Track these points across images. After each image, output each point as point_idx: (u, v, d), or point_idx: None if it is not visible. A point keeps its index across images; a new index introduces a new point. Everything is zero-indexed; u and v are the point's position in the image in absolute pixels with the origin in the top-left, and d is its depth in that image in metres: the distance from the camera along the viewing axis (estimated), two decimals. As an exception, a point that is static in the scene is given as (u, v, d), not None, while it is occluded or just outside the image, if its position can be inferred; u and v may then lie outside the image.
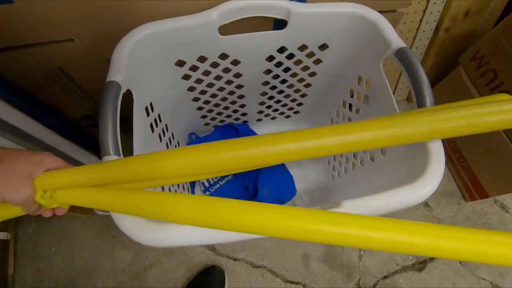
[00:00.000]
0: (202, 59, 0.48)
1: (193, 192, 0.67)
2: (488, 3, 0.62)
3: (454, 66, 0.66)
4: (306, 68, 0.55)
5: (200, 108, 0.62)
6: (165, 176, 0.30)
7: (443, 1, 0.60)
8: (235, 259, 0.66)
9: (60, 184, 0.28)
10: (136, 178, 0.30)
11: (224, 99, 0.61)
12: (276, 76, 0.57)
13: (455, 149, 0.72)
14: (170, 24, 0.41)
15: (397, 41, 0.40)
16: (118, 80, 0.36)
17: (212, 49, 0.47)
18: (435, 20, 0.63)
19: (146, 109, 0.45)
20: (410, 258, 0.68)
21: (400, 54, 0.39)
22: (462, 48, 0.71)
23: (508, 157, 0.57)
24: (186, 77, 0.51)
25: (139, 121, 0.40)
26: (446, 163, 0.69)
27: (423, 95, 0.37)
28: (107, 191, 0.29)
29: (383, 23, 0.43)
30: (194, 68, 0.50)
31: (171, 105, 0.55)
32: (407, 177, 0.36)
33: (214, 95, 0.59)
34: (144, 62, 0.42)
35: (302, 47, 0.50)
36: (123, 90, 0.37)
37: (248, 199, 0.61)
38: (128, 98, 0.39)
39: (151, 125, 0.46)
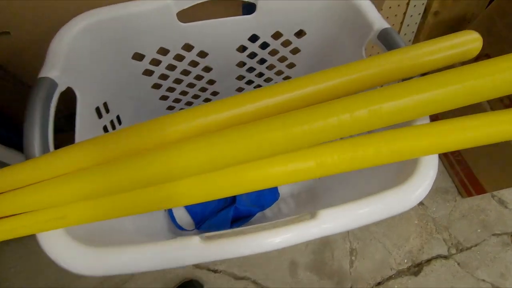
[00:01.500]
0: (163, 51, 0.42)
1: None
2: (479, -16, 0.58)
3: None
4: (283, 59, 0.50)
5: (170, 108, 0.56)
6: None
7: (423, 4, 0.55)
8: (215, 271, 0.60)
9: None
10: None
11: (196, 96, 0.55)
12: (251, 69, 0.51)
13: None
14: (119, 10, 0.36)
15: (379, 22, 0.36)
16: (53, 76, 0.30)
17: (173, 39, 0.41)
18: (423, 4, 0.58)
19: (98, 110, 0.39)
20: (405, 261, 0.63)
21: (384, 36, 0.34)
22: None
23: (506, 149, 0.52)
24: (148, 72, 0.45)
25: (85, 124, 0.35)
26: (439, 158, 0.65)
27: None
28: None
29: (363, 2, 0.38)
30: (156, 62, 0.44)
31: (134, 105, 0.49)
32: (397, 177, 0.31)
33: (184, 93, 0.53)
34: (92, 56, 0.37)
35: (276, 35, 0.44)
36: (61, 88, 0.31)
37: (225, 208, 0.55)
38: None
39: (105, 128, 0.41)
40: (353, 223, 0.27)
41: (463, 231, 0.66)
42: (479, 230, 0.66)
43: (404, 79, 0.30)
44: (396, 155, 0.27)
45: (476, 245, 0.65)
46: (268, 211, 0.62)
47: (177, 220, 0.60)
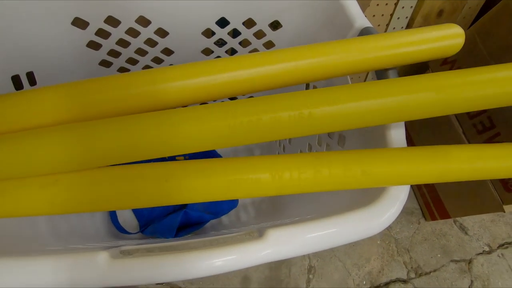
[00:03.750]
0: (113, 21, 0.36)
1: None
2: (463, 4, 0.56)
3: (424, 70, 0.60)
4: (255, 52, 0.45)
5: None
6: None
7: (411, 7, 0.53)
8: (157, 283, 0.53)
9: None
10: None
11: (154, 82, 0.48)
12: (219, 59, 0.46)
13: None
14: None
15: (361, 20, 0.32)
16: None
17: (125, 9, 0.35)
18: (406, 17, 0.56)
19: (17, 79, 0.31)
20: (364, 283, 0.60)
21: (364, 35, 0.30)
22: (432, 54, 0.65)
23: (474, 175, 0.51)
24: (94, 45, 0.38)
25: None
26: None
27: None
28: None
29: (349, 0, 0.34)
30: (103, 34, 0.37)
31: (75, 82, 0.42)
32: (364, 196, 0.27)
33: (140, 76, 0.46)
34: (15, 12, 0.29)
35: (249, 23, 0.39)
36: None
37: (174, 212, 0.49)
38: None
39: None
40: (308, 248, 0.22)
41: (424, 255, 0.65)
42: (439, 255, 0.65)
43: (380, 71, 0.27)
44: (369, 181, 0.23)
45: (435, 271, 0.63)
46: (225, 218, 0.56)
47: (120, 220, 0.53)
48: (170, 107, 0.24)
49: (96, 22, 0.35)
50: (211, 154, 0.55)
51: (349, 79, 0.34)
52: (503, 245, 0.67)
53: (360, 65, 0.27)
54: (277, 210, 0.59)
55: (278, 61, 0.26)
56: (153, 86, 0.23)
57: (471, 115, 0.50)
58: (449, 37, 0.26)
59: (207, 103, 0.26)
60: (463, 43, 0.26)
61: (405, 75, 0.67)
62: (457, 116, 0.52)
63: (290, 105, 0.21)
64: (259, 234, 0.22)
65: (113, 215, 0.51)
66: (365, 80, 0.69)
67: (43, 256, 0.18)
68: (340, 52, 0.26)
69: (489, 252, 0.66)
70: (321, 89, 0.23)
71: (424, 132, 0.62)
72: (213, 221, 0.54)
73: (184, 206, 0.48)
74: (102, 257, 0.19)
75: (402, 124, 0.27)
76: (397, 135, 0.26)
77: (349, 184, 0.23)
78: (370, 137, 0.29)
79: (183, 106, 0.24)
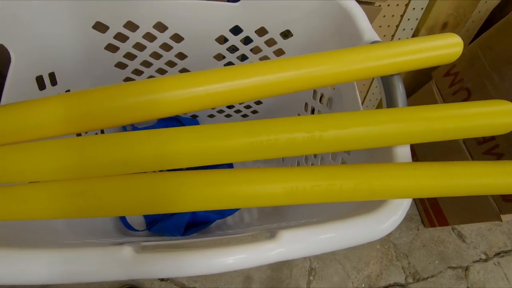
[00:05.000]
0: (131, 26, 0.37)
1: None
2: (466, 18, 0.58)
3: (427, 80, 0.62)
4: (265, 59, 0.46)
5: (136, 93, 0.51)
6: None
7: (422, 8, 0.55)
8: (161, 279, 0.55)
9: None
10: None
11: (166, 85, 0.50)
12: (229, 65, 0.47)
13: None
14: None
15: (370, 33, 0.33)
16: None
17: (145, 15, 0.36)
18: (412, 28, 0.58)
19: (40, 80, 0.33)
20: (363, 286, 0.62)
21: (373, 48, 0.31)
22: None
23: (473, 184, 0.52)
24: (112, 48, 0.40)
25: (18, 94, 0.29)
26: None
27: (396, 105, 0.29)
28: None
29: (356, 10, 0.35)
30: (121, 38, 0.39)
31: (91, 83, 0.43)
32: (368, 201, 0.29)
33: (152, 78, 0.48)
34: (41, 12, 0.31)
35: (261, 31, 0.41)
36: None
37: (181, 213, 0.50)
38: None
39: (48, 102, 0.34)
40: (316, 249, 0.23)
41: (422, 260, 0.66)
42: (436, 262, 0.66)
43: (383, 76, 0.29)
44: (377, 194, 0.25)
45: (432, 276, 0.65)
46: (229, 219, 0.58)
47: (127, 217, 0.54)
48: (166, 115, 0.26)
49: (116, 27, 0.37)
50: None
51: (355, 85, 0.35)
52: (499, 253, 0.69)
53: (364, 72, 0.28)
54: (279, 213, 0.61)
55: (282, 70, 0.28)
56: (157, 95, 0.24)
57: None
58: (449, 46, 0.28)
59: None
60: (461, 51, 0.28)
61: (409, 86, 0.69)
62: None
63: (304, 128, 0.23)
64: (271, 234, 0.23)
65: (121, 212, 0.53)
66: (370, 86, 0.71)
67: (76, 248, 0.19)
68: (343, 60, 0.28)
69: (485, 260, 0.68)
70: (330, 114, 0.25)
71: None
72: (218, 221, 0.55)
73: (191, 205, 0.50)
74: (127, 251, 0.20)
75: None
76: (403, 151, 0.28)
77: (359, 197, 0.24)
78: (376, 150, 0.31)
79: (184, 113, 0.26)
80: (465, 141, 0.54)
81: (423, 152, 0.64)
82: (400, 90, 0.29)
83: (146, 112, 0.25)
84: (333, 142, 0.24)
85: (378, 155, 0.30)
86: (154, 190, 0.22)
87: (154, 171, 0.23)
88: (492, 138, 0.47)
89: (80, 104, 0.23)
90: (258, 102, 0.59)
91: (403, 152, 0.28)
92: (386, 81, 0.30)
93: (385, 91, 0.30)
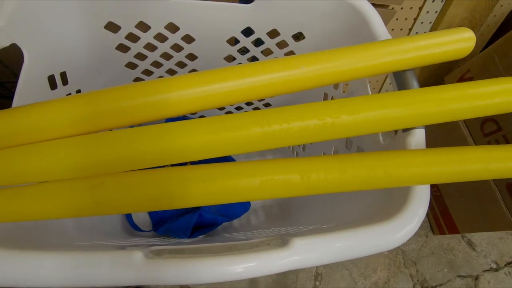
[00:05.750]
0: (143, 27, 0.37)
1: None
2: (481, 22, 0.57)
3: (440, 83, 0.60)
4: (276, 61, 0.46)
5: (145, 93, 0.51)
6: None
7: (436, 11, 0.54)
8: None
9: None
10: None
11: (175, 85, 0.50)
12: (240, 66, 0.47)
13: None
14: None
15: (385, 37, 0.32)
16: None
17: (157, 15, 0.36)
18: (425, 32, 0.57)
19: (52, 79, 0.33)
20: (370, 292, 0.61)
21: (389, 52, 0.31)
22: (447, 68, 0.66)
23: (486, 192, 0.51)
24: (123, 48, 0.40)
25: (30, 94, 0.29)
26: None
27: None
28: None
29: (372, 14, 0.34)
30: (133, 38, 0.39)
31: (102, 82, 0.43)
32: (382, 209, 0.28)
33: (162, 79, 0.48)
34: (54, 12, 0.31)
35: (273, 33, 0.40)
36: (3, 43, 0.25)
37: (188, 213, 0.50)
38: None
39: (59, 102, 0.34)
40: (330, 258, 0.23)
41: (430, 268, 0.65)
42: (445, 270, 0.65)
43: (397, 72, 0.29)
44: (391, 181, 0.24)
45: (440, 285, 0.63)
46: (236, 221, 0.57)
47: (134, 218, 0.54)
48: (178, 115, 0.26)
49: (128, 27, 0.36)
50: (227, 158, 0.57)
51: (367, 82, 0.35)
52: (510, 263, 0.67)
53: (377, 68, 0.28)
54: (287, 216, 0.60)
55: (291, 67, 0.27)
56: (166, 94, 0.24)
57: (485, 133, 0.50)
58: (462, 41, 0.28)
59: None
60: (473, 46, 0.28)
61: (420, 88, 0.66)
62: (472, 134, 0.53)
63: (316, 115, 0.23)
64: (283, 242, 0.23)
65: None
66: (383, 82, 0.70)
67: (87, 252, 0.19)
68: (355, 57, 0.28)
69: (496, 270, 0.66)
70: (341, 99, 0.25)
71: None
72: (224, 224, 0.55)
73: (198, 207, 0.49)
74: (138, 257, 0.20)
75: (422, 127, 0.28)
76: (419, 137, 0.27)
77: (372, 184, 0.24)
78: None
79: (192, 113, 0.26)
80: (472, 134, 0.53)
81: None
82: (414, 86, 0.29)
83: (155, 111, 0.24)
84: (345, 127, 0.24)
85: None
86: (167, 185, 0.22)
87: (164, 166, 0.23)
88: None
89: (91, 105, 0.23)
90: (267, 105, 0.58)
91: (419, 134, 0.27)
92: (399, 76, 0.30)
93: (399, 87, 0.29)
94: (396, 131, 0.30)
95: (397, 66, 0.28)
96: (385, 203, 0.29)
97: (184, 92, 0.25)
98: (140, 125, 0.24)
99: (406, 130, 0.28)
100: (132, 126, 0.24)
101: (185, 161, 0.23)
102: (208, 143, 0.22)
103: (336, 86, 0.45)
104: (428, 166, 0.24)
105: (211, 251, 0.22)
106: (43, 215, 0.21)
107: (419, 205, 0.25)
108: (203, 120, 0.23)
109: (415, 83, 0.29)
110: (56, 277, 0.18)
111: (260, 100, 0.57)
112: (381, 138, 0.31)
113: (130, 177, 0.21)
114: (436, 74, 0.66)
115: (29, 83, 0.28)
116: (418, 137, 0.28)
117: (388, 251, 0.64)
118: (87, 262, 0.19)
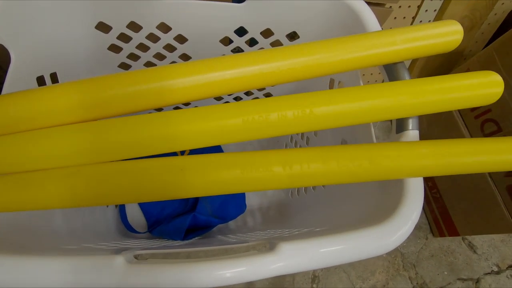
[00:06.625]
0: (135, 27, 0.37)
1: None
2: (482, 21, 0.56)
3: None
4: (271, 61, 0.45)
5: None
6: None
7: (435, 10, 0.53)
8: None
9: None
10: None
11: (170, 86, 0.49)
12: (234, 67, 0.46)
13: (428, 177, 0.65)
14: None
15: (380, 36, 0.32)
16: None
17: (148, 15, 0.36)
18: (424, 31, 0.56)
19: (41, 80, 0.32)
20: (368, 295, 0.60)
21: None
22: (447, 68, 0.65)
23: (486, 194, 0.50)
24: (116, 49, 0.39)
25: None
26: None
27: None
28: None
29: (367, 14, 0.34)
30: (125, 38, 0.38)
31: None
32: (374, 212, 0.27)
33: (156, 80, 0.47)
34: (42, 11, 0.31)
35: (267, 33, 0.40)
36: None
37: (183, 215, 0.49)
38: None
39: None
40: (318, 263, 0.22)
41: (430, 271, 0.64)
42: (445, 273, 0.64)
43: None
44: (378, 171, 0.23)
45: (440, 288, 0.62)
46: (232, 223, 0.57)
47: (129, 219, 0.54)
48: (178, 103, 0.25)
49: (119, 27, 0.36)
50: (216, 149, 0.56)
51: (359, 74, 0.34)
52: (512, 266, 0.66)
53: (368, 60, 0.28)
54: (284, 218, 0.60)
55: (286, 58, 0.27)
56: (161, 82, 0.24)
57: (485, 134, 0.49)
58: (449, 34, 0.27)
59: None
60: (461, 39, 0.28)
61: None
62: (472, 134, 0.52)
63: (294, 105, 0.24)
64: (270, 246, 0.22)
65: (122, 213, 0.52)
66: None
67: (63, 257, 0.18)
68: (343, 48, 0.27)
69: (497, 273, 0.65)
70: (322, 91, 0.25)
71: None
72: (220, 225, 0.54)
73: (193, 209, 0.49)
74: (119, 262, 0.19)
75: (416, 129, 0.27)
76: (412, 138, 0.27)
77: (359, 175, 0.23)
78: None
79: (188, 102, 0.26)
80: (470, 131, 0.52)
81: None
82: (405, 78, 0.28)
83: (157, 98, 0.24)
84: (325, 118, 0.24)
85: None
86: (157, 172, 0.22)
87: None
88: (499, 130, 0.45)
89: (92, 91, 0.23)
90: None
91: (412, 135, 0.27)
92: (390, 69, 0.29)
93: (390, 79, 0.29)
94: (389, 133, 0.29)
95: (385, 58, 0.28)
96: (379, 205, 0.28)
97: (189, 79, 0.24)
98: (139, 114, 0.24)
99: (400, 132, 0.28)
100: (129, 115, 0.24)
101: (183, 149, 0.23)
102: (187, 133, 0.22)
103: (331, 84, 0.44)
104: (417, 156, 0.24)
105: (199, 256, 0.22)
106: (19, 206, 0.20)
107: (412, 207, 0.25)
108: (180, 112, 0.23)
109: (406, 76, 0.29)
110: (34, 282, 0.17)
111: (260, 90, 0.56)
112: (374, 140, 0.31)
113: (106, 166, 0.21)
114: (436, 74, 0.65)
115: (16, 83, 0.28)
116: (412, 138, 0.27)
117: (386, 253, 0.64)
118: (67, 267, 0.18)
